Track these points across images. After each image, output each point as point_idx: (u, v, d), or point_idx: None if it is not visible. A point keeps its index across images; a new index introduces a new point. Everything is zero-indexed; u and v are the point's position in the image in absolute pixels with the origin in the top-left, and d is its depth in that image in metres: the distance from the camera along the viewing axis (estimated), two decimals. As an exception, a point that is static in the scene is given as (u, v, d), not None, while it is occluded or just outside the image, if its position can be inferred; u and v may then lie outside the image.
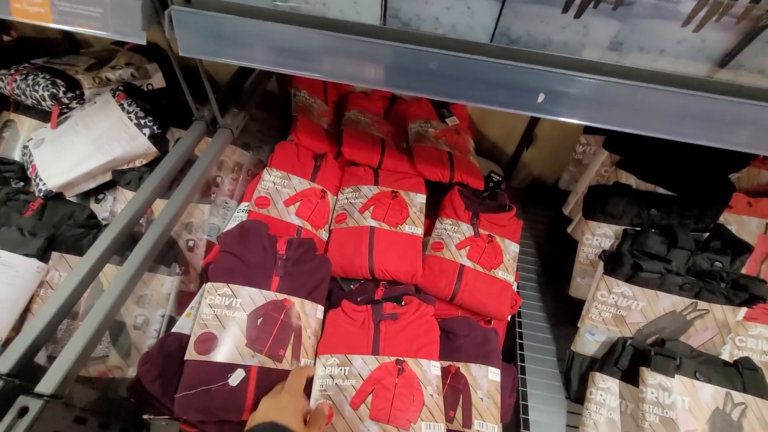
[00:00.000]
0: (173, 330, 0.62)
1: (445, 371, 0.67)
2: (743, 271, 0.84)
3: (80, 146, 0.80)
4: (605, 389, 0.76)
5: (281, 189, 0.81)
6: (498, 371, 0.67)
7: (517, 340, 0.90)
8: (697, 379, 0.69)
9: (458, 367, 0.67)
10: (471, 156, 0.98)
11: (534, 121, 1.06)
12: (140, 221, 0.71)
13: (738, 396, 0.68)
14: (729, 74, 0.48)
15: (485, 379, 0.66)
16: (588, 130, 0.98)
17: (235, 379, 0.57)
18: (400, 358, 0.63)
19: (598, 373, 0.78)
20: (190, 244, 0.82)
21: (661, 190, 0.86)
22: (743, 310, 0.73)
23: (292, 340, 0.63)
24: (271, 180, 0.81)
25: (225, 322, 0.60)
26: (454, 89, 0.53)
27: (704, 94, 0.48)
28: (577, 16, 0.47)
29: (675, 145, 0.85)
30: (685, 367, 0.70)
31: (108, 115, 0.83)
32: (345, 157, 0.91)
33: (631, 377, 0.75)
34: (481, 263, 0.83)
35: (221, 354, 0.58)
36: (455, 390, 0.65)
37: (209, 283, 0.62)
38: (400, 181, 0.89)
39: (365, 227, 0.80)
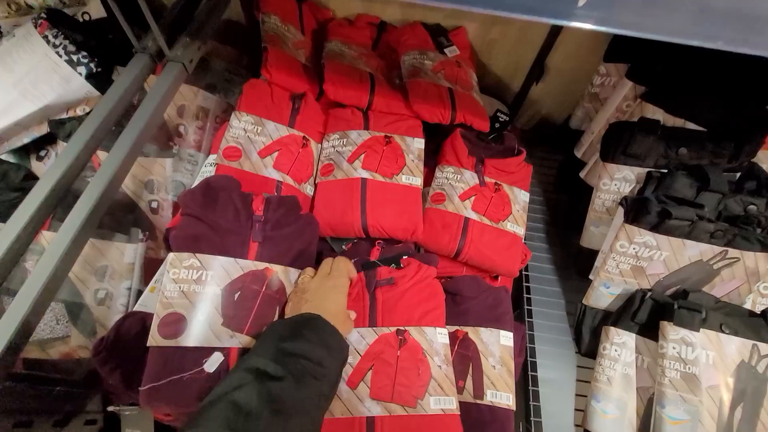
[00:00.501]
0: (135, 308, 0.53)
1: (452, 337, 0.60)
2: (773, 213, 0.77)
3: (1, 91, 0.65)
4: (620, 344, 0.71)
5: (254, 137, 0.68)
6: (511, 335, 0.61)
7: (525, 295, 0.84)
8: (723, 332, 0.64)
9: (466, 332, 0.60)
10: (474, 92, 0.85)
11: (546, 50, 0.91)
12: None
13: (765, 347, 0.64)
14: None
15: (497, 345, 0.59)
16: (609, 58, 0.85)
17: (212, 364, 0.48)
18: (401, 328, 0.55)
19: (612, 328, 0.72)
20: (153, 205, 0.71)
21: (691, 126, 0.76)
22: (776, 256, 0.66)
23: (277, 315, 0.54)
24: (242, 127, 0.68)
25: (194, 299, 0.51)
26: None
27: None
28: None
29: (707, 72, 0.74)
30: (710, 320, 0.65)
31: (31, 51, 0.67)
32: (328, 97, 0.77)
33: (649, 331, 0.70)
34: (487, 215, 0.74)
35: (193, 337, 0.49)
36: (464, 358, 0.58)
37: (171, 254, 0.52)
38: (394, 124, 0.77)
39: (356, 179, 0.69)
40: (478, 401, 0.55)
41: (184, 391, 0.47)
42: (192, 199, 0.55)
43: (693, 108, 0.75)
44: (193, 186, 0.62)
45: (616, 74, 0.86)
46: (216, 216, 0.55)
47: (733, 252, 0.67)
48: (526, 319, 0.81)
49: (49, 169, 0.49)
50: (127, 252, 0.64)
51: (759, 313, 0.68)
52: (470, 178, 0.77)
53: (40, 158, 0.76)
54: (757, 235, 0.65)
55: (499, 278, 0.76)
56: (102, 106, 0.53)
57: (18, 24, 0.72)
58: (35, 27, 0.68)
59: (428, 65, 0.84)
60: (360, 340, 0.55)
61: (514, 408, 0.56)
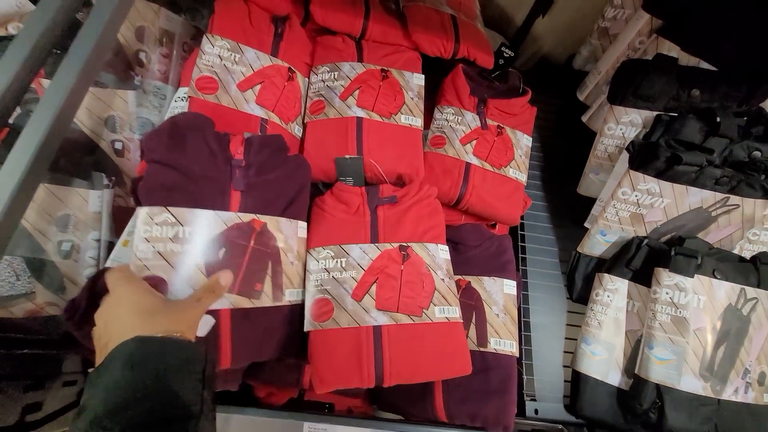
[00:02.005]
0: (107, 264, 0.47)
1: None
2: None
3: None
4: (613, 290, 0.72)
5: (232, 66, 0.58)
6: (514, 284, 0.60)
7: (519, 243, 0.83)
8: (715, 277, 0.65)
9: (469, 282, 0.59)
10: (478, 23, 0.76)
11: (557, -25, 0.82)
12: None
13: (751, 291, 0.66)
14: None
15: (500, 293, 0.58)
16: (625, -13, 0.77)
17: (203, 327, 0.44)
18: (404, 244, 0.53)
19: (606, 274, 0.73)
20: (117, 146, 0.62)
21: (704, 66, 0.71)
22: (773, 203, 0.66)
23: (270, 270, 0.50)
24: (216, 53, 0.58)
25: (173, 259, 0.45)
26: None
27: None
28: None
29: (727, 6, 0.69)
30: (704, 265, 0.65)
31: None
32: (316, 21, 0.67)
33: (642, 277, 0.70)
34: (489, 160, 0.69)
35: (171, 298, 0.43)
36: (467, 306, 0.57)
37: (141, 209, 0.45)
38: (391, 56, 0.68)
39: (351, 118, 0.61)
40: (482, 349, 0.55)
41: None
42: (157, 142, 0.47)
43: (710, 45, 0.70)
44: (157, 126, 0.52)
45: (631, 6, 0.79)
46: (188, 161, 0.47)
47: (734, 199, 0.66)
48: (520, 267, 0.81)
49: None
50: (91, 199, 0.57)
51: (749, 258, 0.69)
52: (471, 120, 0.71)
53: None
54: (762, 181, 0.64)
55: (497, 226, 0.73)
56: (37, 19, 0.43)
57: None
58: None
59: (428, -11, 0.73)
60: (363, 255, 0.53)
61: (517, 354, 0.56)
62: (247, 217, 0.49)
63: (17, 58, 0.42)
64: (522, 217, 0.86)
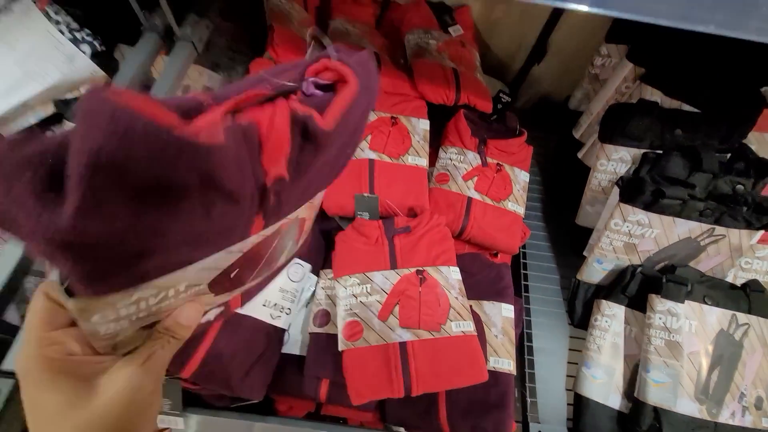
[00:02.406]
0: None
1: (457, 310, 0.64)
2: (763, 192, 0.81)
3: (4, 71, 0.64)
4: (611, 315, 0.76)
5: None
6: (512, 308, 0.65)
7: (522, 271, 0.88)
8: (705, 303, 0.69)
9: (471, 305, 0.64)
10: (478, 73, 0.86)
11: (549, 29, 0.92)
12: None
13: (743, 317, 0.69)
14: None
15: (499, 316, 0.64)
16: (610, 39, 0.86)
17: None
18: (420, 268, 0.61)
19: (604, 301, 0.77)
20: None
21: (687, 108, 0.78)
22: (760, 233, 0.70)
23: (284, 257, 0.45)
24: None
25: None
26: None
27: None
28: None
29: (704, 54, 0.76)
30: (695, 292, 0.70)
31: (32, 28, 0.66)
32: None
33: (637, 303, 0.75)
34: (489, 195, 0.77)
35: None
36: (469, 328, 0.63)
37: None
38: (400, 104, 0.78)
39: (364, 160, 0.70)
40: (482, 367, 0.60)
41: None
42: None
43: (689, 90, 0.77)
44: None
45: (617, 55, 0.87)
46: None
47: (719, 229, 0.71)
48: (523, 293, 0.86)
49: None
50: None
51: (740, 286, 0.73)
52: (473, 158, 0.79)
53: (44, 138, 0.76)
54: (744, 213, 0.69)
55: (499, 255, 0.79)
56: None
57: (16, 1, 0.70)
58: (34, 2, 0.67)
59: (433, 45, 0.84)
60: (384, 281, 0.60)
61: (514, 373, 0.61)
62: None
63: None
64: (524, 247, 0.91)
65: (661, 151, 0.76)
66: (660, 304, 0.70)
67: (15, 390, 0.37)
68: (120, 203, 0.18)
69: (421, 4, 0.90)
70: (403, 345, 0.55)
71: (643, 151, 0.78)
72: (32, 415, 0.23)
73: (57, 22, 0.66)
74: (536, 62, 0.97)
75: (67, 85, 0.68)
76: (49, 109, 0.70)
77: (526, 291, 0.87)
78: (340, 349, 0.55)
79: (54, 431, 0.22)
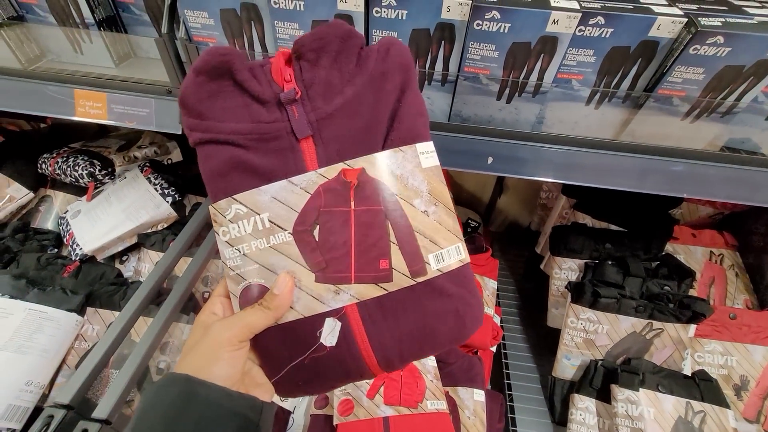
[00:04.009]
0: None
1: (435, 396, 0.75)
2: (693, 293, 0.96)
3: (112, 215, 0.93)
4: (584, 408, 0.84)
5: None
6: (482, 392, 0.76)
7: (504, 370, 0.98)
8: (660, 391, 0.78)
9: (447, 391, 0.76)
10: (449, 203, 1.12)
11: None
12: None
13: (697, 405, 0.77)
14: (627, 137, 0.64)
15: (471, 400, 0.74)
16: (548, 179, 1.14)
17: (329, 335, 0.36)
18: None
19: (576, 395, 0.86)
20: (206, 295, 0.92)
21: (614, 227, 1.00)
22: (692, 327, 0.83)
23: (393, 234, 0.36)
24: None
25: (263, 259, 0.36)
26: (424, 156, 0.68)
27: (611, 152, 0.63)
28: (508, 101, 0.63)
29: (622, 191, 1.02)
30: (648, 381, 0.79)
31: (137, 188, 0.97)
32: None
33: (604, 395, 0.83)
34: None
35: (289, 310, 0.37)
36: (445, 412, 0.73)
37: (210, 209, 0.37)
38: None
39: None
40: (456, 447, 0.68)
41: (313, 375, 0.37)
42: (189, 116, 0.37)
43: (613, 214, 1.01)
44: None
45: (556, 189, 1.14)
46: (229, 125, 0.36)
47: (656, 324, 0.84)
48: (506, 392, 0.94)
49: (153, 270, 0.73)
50: (186, 331, 0.84)
51: (690, 375, 0.82)
52: (449, 270, 0.99)
53: (122, 261, 1.01)
54: (670, 309, 0.83)
55: (478, 352, 0.92)
56: (189, 227, 0.80)
57: (127, 169, 1.04)
58: (141, 171, 1.00)
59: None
60: None
61: (484, 452, 0.69)
62: (332, 171, 0.36)
63: (172, 253, 0.76)
64: (504, 347, 1.03)
65: (597, 262, 0.95)
66: (620, 393, 0.79)
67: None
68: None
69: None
70: (386, 419, 0.66)
71: (584, 261, 0.97)
72: (185, 342, 0.38)
73: (154, 184, 0.97)
74: (498, 196, 1.25)
75: (150, 224, 0.96)
76: (133, 240, 0.97)
77: (509, 390, 0.96)
78: (335, 423, 0.67)
79: (184, 352, 0.36)
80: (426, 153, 0.39)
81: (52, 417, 0.52)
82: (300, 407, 0.75)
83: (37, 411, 0.71)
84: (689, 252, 1.03)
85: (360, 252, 0.36)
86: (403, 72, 0.38)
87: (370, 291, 0.36)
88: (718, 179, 0.62)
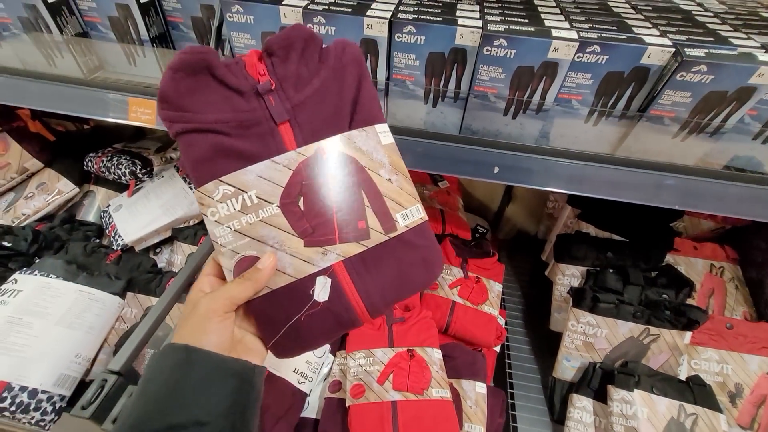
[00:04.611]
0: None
1: (440, 386, 0.81)
2: (692, 303, 1.00)
3: (151, 210, 1.02)
4: (581, 408, 0.88)
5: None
6: (484, 386, 0.81)
7: (507, 370, 1.03)
8: (654, 393, 0.82)
9: (451, 382, 0.81)
10: (460, 212, 1.19)
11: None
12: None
13: (690, 407, 0.81)
14: (623, 152, 0.70)
15: (473, 391, 0.80)
16: (554, 190, 1.20)
17: (322, 291, 0.41)
18: (411, 348, 0.80)
19: (575, 394, 0.90)
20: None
21: (616, 237, 1.05)
22: (688, 334, 0.87)
23: (366, 199, 0.42)
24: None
25: (253, 232, 0.40)
26: (436, 165, 0.75)
27: (608, 165, 0.69)
28: (514, 117, 0.70)
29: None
30: (643, 383, 0.84)
31: (173, 186, 1.06)
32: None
33: (601, 396, 0.88)
34: (470, 300, 1.00)
35: (280, 275, 0.40)
36: (449, 401, 0.79)
37: (196, 193, 0.41)
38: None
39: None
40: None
41: (308, 331, 0.41)
42: (169, 108, 0.40)
43: (615, 224, 1.06)
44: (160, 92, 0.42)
45: (562, 200, 1.19)
46: (210, 115, 0.40)
47: (653, 329, 0.89)
48: (508, 390, 0.99)
49: (188, 261, 0.81)
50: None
51: (684, 380, 0.86)
52: (457, 272, 1.05)
53: (156, 253, 1.10)
54: (667, 315, 0.88)
55: (482, 350, 0.97)
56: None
57: (164, 169, 1.13)
58: (177, 171, 1.10)
59: (426, 194, 1.20)
60: (383, 355, 0.80)
61: (484, 434, 0.75)
62: (310, 149, 0.41)
63: (202, 250, 0.85)
64: (508, 348, 1.08)
65: (599, 269, 1.00)
66: (615, 393, 0.83)
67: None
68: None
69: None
70: (394, 403, 0.72)
71: (586, 268, 1.02)
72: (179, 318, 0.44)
73: (188, 183, 1.07)
74: (506, 205, 1.31)
75: (185, 219, 1.05)
76: (167, 234, 1.06)
77: (512, 388, 1.00)
78: (347, 404, 0.73)
79: (178, 324, 0.41)
80: (384, 132, 0.45)
81: (105, 380, 0.60)
82: (315, 391, 0.82)
83: (82, 383, 0.79)
84: (690, 264, 1.06)
85: (341, 216, 0.41)
86: (358, 65, 0.44)
87: (353, 248, 0.41)
88: (712, 194, 0.67)
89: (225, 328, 0.40)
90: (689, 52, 0.56)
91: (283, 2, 0.67)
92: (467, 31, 0.62)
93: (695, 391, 0.83)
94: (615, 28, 0.64)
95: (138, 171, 1.09)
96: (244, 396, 0.38)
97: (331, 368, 0.85)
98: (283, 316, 0.41)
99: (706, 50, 0.56)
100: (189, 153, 0.40)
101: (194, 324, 0.39)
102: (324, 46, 0.44)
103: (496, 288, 1.05)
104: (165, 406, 0.35)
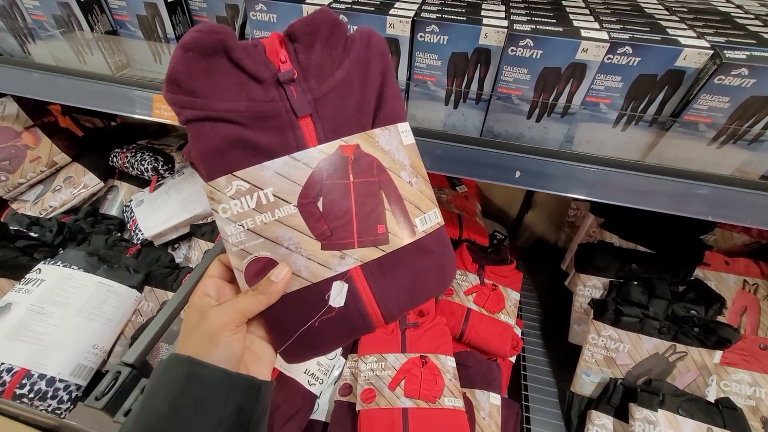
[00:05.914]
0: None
1: (453, 396, 0.79)
2: (723, 321, 0.94)
3: (171, 206, 1.04)
4: (601, 425, 0.85)
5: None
6: (498, 396, 0.79)
7: (522, 382, 1.00)
8: (680, 414, 0.78)
9: (464, 392, 0.79)
10: (477, 217, 1.17)
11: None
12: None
13: (718, 431, 0.76)
14: (653, 159, 0.66)
15: (487, 402, 0.77)
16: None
17: (338, 296, 0.39)
18: (423, 354, 0.79)
19: (594, 411, 0.87)
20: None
21: (642, 248, 1.01)
22: (718, 353, 0.83)
23: (386, 202, 0.40)
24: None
25: (268, 232, 0.38)
26: (456, 168, 0.73)
27: (635, 172, 0.66)
28: (538, 120, 0.68)
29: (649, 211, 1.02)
30: (668, 403, 0.79)
31: (193, 183, 1.08)
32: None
33: (622, 414, 0.84)
34: (486, 308, 0.97)
35: (295, 278, 0.38)
36: (461, 411, 0.76)
37: (206, 187, 0.38)
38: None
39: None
40: (470, 445, 0.72)
41: (321, 337, 0.40)
42: (178, 92, 0.36)
43: (641, 235, 1.01)
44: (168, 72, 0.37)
45: (584, 207, 1.16)
46: (225, 103, 0.36)
47: (680, 347, 0.84)
48: (523, 402, 0.96)
49: (204, 258, 0.82)
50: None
51: (713, 402, 0.81)
52: (473, 279, 1.03)
53: (173, 249, 1.11)
54: (695, 332, 0.83)
55: (497, 360, 0.94)
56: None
57: (186, 166, 1.15)
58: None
59: (444, 198, 1.18)
60: (395, 360, 0.79)
61: (499, 454, 0.72)
62: (332, 147, 0.38)
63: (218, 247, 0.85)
64: (524, 360, 1.05)
65: (623, 281, 0.96)
66: (638, 412, 0.79)
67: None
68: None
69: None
70: (405, 410, 0.70)
71: (609, 279, 0.98)
72: (183, 324, 0.39)
73: (207, 180, 1.08)
74: (526, 212, 1.28)
75: (203, 216, 1.06)
76: (185, 230, 1.08)
77: (527, 401, 0.97)
78: (357, 409, 0.72)
79: (184, 334, 0.39)
80: (405, 132, 0.43)
81: (119, 373, 0.60)
82: (326, 393, 0.81)
83: (98, 374, 0.81)
84: (721, 279, 1.01)
85: (360, 219, 0.39)
86: (383, 59, 0.42)
87: (371, 253, 0.39)
88: (747, 205, 0.63)
89: (235, 342, 0.37)
90: (729, 54, 0.53)
91: (306, 1, 0.67)
92: (492, 30, 0.60)
93: (725, 414, 0.78)
94: (648, 29, 0.61)
95: (160, 167, 1.11)
96: (248, 413, 0.37)
97: (342, 371, 0.84)
98: (296, 321, 0.39)
99: (748, 53, 0.53)
100: (199, 143, 0.37)
101: (202, 337, 0.37)
102: (346, 35, 0.41)
103: (513, 296, 1.02)
104: (166, 425, 0.34)
